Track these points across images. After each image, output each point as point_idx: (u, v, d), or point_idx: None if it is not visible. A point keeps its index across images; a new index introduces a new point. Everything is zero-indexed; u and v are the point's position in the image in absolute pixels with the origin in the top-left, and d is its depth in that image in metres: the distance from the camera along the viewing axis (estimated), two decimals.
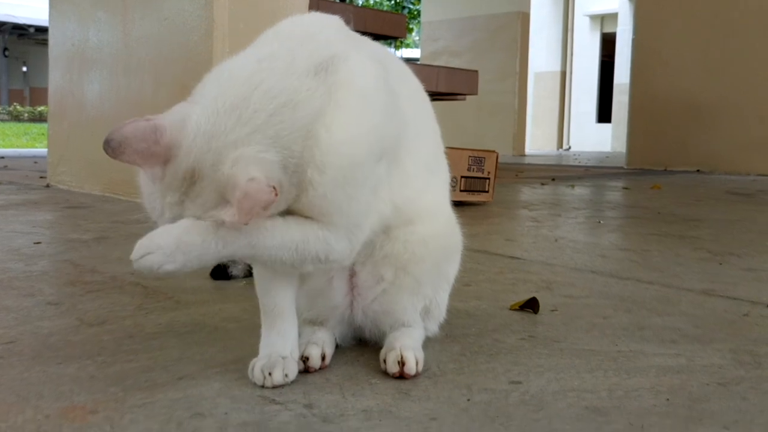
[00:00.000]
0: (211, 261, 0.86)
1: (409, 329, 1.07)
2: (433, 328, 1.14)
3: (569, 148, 14.90)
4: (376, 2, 22.52)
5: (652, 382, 0.99)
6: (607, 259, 1.95)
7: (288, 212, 0.89)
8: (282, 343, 0.98)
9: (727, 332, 1.25)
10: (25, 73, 25.51)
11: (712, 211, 3.22)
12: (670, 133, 6.64)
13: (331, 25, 0.99)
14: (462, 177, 3.04)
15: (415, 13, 19.75)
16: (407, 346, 1.00)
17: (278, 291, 0.99)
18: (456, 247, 1.13)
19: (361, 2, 21.21)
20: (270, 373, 0.94)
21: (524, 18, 9.71)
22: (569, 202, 3.58)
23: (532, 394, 0.94)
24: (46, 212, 2.79)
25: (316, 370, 1.00)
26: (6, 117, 20.51)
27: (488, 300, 1.45)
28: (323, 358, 1.01)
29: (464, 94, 5.57)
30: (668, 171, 6.37)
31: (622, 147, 7.66)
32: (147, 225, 0.87)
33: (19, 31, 23.24)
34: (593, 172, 6.36)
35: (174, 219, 0.85)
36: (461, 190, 3.06)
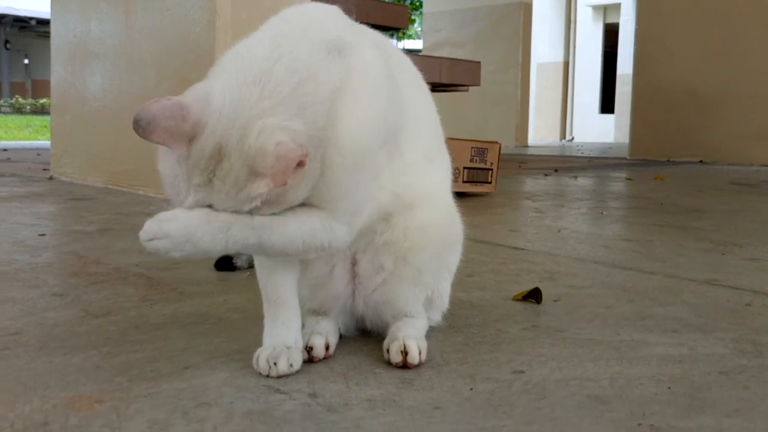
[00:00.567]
0: (218, 254, 0.89)
1: (412, 319, 1.07)
2: (436, 317, 1.14)
3: (572, 138, 14.88)
4: None
5: (654, 371, 1.00)
6: (609, 250, 1.95)
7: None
8: (286, 333, 0.98)
9: (729, 321, 1.25)
10: (26, 65, 25.52)
11: (715, 202, 3.22)
12: (673, 123, 6.63)
13: (332, 14, 1.00)
14: (465, 168, 3.04)
15: (418, 3, 19.68)
16: (410, 336, 1.01)
17: (280, 281, 1.00)
18: (457, 236, 1.14)
19: None
20: (275, 363, 0.94)
21: (527, 8, 9.68)
22: (572, 193, 3.58)
23: (534, 383, 0.94)
24: (49, 204, 2.80)
25: (320, 360, 1.01)
26: (8, 109, 20.53)
27: (491, 290, 1.46)
28: (327, 347, 1.02)
29: (467, 85, 5.56)
30: (671, 162, 6.36)
31: (625, 138, 7.65)
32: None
33: (21, 23, 23.24)
34: (596, 162, 6.35)
35: (199, 204, 0.85)
36: (464, 181, 3.06)
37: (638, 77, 7.00)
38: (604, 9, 15.35)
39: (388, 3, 5.43)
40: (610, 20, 15.22)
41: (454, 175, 3.01)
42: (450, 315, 1.17)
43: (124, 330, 1.17)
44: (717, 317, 1.28)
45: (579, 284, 1.53)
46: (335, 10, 1.01)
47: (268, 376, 0.94)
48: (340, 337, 1.09)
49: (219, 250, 0.86)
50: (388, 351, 1.00)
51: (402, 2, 20.74)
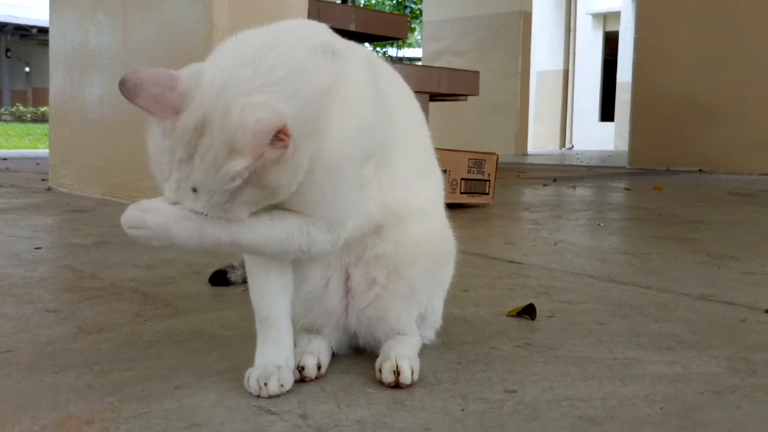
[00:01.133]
0: (195, 250, 0.93)
1: (405, 337, 1.07)
2: (430, 335, 1.14)
3: (572, 146, 14.89)
4: (378, 1, 22.52)
5: (647, 390, 0.99)
6: (606, 263, 1.95)
7: (274, 207, 0.91)
8: (277, 353, 0.98)
9: (723, 338, 1.25)
10: (27, 73, 25.56)
11: (714, 213, 3.22)
12: (672, 132, 6.63)
13: (324, 28, 1.01)
14: (462, 179, 3.04)
15: (417, 12, 19.73)
16: (403, 355, 1.01)
17: (273, 300, 1.00)
18: (449, 251, 1.14)
19: (363, 2, 21.22)
20: (265, 384, 0.94)
21: (526, 17, 9.69)
22: (570, 204, 3.58)
23: (526, 404, 0.94)
24: (47, 216, 2.80)
25: (312, 380, 1.00)
26: (9, 117, 20.56)
27: (486, 306, 1.46)
28: (319, 367, 1.02)
29: (466, 95, 5.58)
30: (670, 171, 6.36)
31: (624, 145, 7.64)
32: None
33: (22, 31, 23.29)
34: (595, 172, 6.35)
35: (179, 184, 0.85)
36: (462, 192, 3.06)
37: (637, 86, 7.01)
38: (604, 17, 15.38)
39: (387, 13, 5.45)
40: (610, 28, 15.25)
41: (451, 186, 3.03)
42: (444, 332, 1.17)
43: (117, 347, 1.17)
44: (711, 334, 1.27)
45: (574, 299, 1.53)
46: (323, 26, 1.02)
47: (258, 396, 0.94)
48: (333, 355, 1.09)
49: (193, 246, 0.89)
50: (380, 371, 1.00)
51: (402, 11, 20.82)
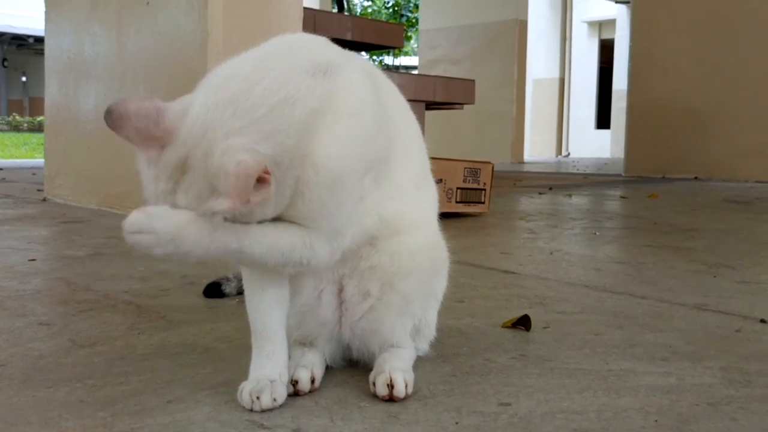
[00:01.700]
0: (198, 258, 0.88)
1: (399, 350, 1.06)
2: (424, 347, 1.14)
3: (568, 154, 14.91)
4: (374, 10, 22.58)
5: (642, 402, 0.99)
6: (601, 273, 1.95)
7: (276, 218, 0.90)
8: (271, 367, 0.98)
9: (718, 349, 1.24)
10: (24, 83, 25.56)
11: (709, 221, 3.22)
12: (668, 139, 6.64)
13: (322, 41, 1.01)
14: (458, 188, 3.04)
15: (413, 21, 19.78)
16: (397, 368, 1.00)
17: (268, 314, 1.00)
18: (443, 262, 1.14)
19: (359, 11, 21.27)
20: (258, 397, 0.94)
21: (522, 25, 9.73)
22: (566, 213, 3.58)
23: (520, 417, 0.93)
24: (41, 227, 2.79)
25: (305, 393, 1.00)
26: (5, 127, 20.52)
27: (481, 317, 1.45)
28: (313, 381, 1.01)
29: (462, 103, 5.58)
30: (666, 178, 6.38)
31: (621, 153, 7.65)
32: None
33: (18, 41, 23.29)
34: (591, 180, 6.36)
35: (170, 206, 0.86)
36: (457, 202, 3.06)
37: (633, 94, 7.02)
38: (600, 25, 15.44)
39: (383, 22, 5.46)
40: (606, 36, 15.30)
41: (447, 195, 3.03)
42: (438, 343, 1.17)
43: (111, 361, 1.16)
44: (706, 344, 1.27)
45: (569, 310, 1.52)
46: (325, 39, 1.02)
47: (251, 410, 0.94)
48: (327, 368, 1.08)
49: (201, 253, 0.86)
50: (374, 384, 1.00)
51: (398, 19, 20.87)
